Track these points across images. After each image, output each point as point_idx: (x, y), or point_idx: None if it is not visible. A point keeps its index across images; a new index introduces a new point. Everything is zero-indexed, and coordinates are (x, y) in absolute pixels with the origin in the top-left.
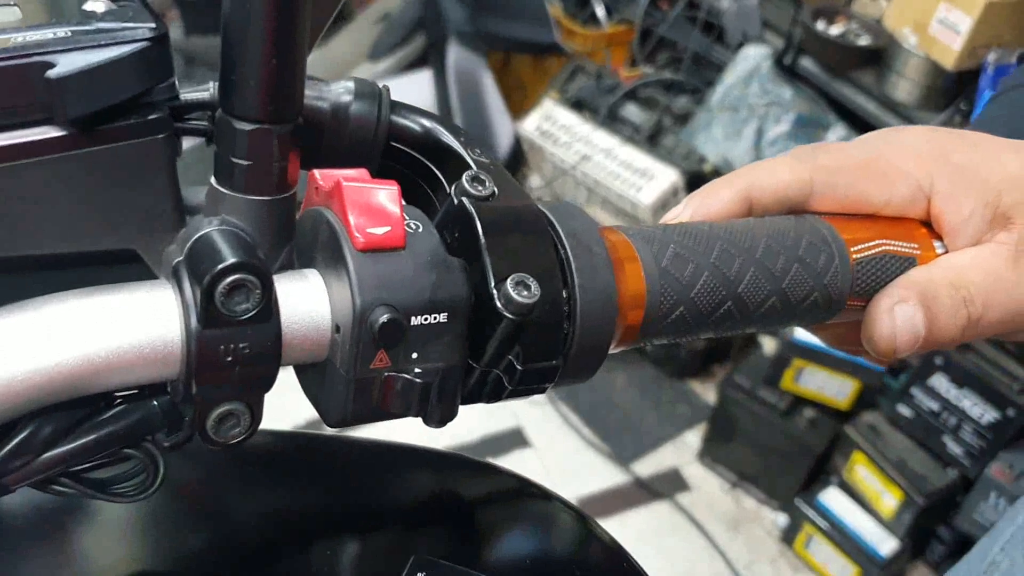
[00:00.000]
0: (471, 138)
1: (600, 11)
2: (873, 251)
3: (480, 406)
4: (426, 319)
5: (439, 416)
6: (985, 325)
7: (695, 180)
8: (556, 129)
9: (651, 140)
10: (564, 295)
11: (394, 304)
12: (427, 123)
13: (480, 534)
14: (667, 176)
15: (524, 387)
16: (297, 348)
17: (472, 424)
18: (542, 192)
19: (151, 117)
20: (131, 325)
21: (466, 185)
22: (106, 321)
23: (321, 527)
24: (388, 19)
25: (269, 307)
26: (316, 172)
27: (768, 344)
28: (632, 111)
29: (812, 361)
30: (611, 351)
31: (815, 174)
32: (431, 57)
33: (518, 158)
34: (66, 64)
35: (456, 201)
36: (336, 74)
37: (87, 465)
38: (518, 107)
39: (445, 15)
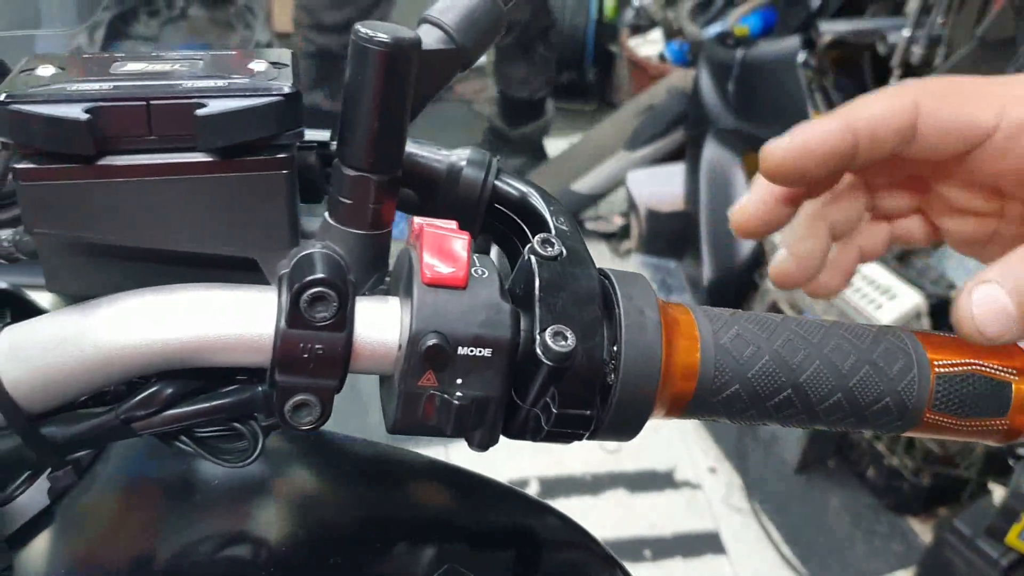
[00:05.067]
0: (560, 208)
1: None
2: (961, 368)
3: (680, 505)
4: (472, 351)
5: (478, 440)
6: None
7: (940, 306)
8: None
9: (901, 259)
10: (610, 351)
11: (444, 332)
12: (524, 190)
13: (516, 565)
14: (910, 298)
15: (559, 430)
16: (367, 358)
17: (667, 518)
18: (778, 295)
19: (277, 156)
20: (238, 316)
21: (536, 245)
22: (220, 310)
23: (380, 525)
24: (651, 111)
25: (344, 319)
26: (416, 218)
27: (998, 492)
28: None
29: None
30: (661, 418)
31: (920, 98)
32: (687, 151)
33: (759, 259)
34: (211, 107)
35: (526, 258)
36: (594, 158)
37: (204, 432)
38: None
39: (707, 113)
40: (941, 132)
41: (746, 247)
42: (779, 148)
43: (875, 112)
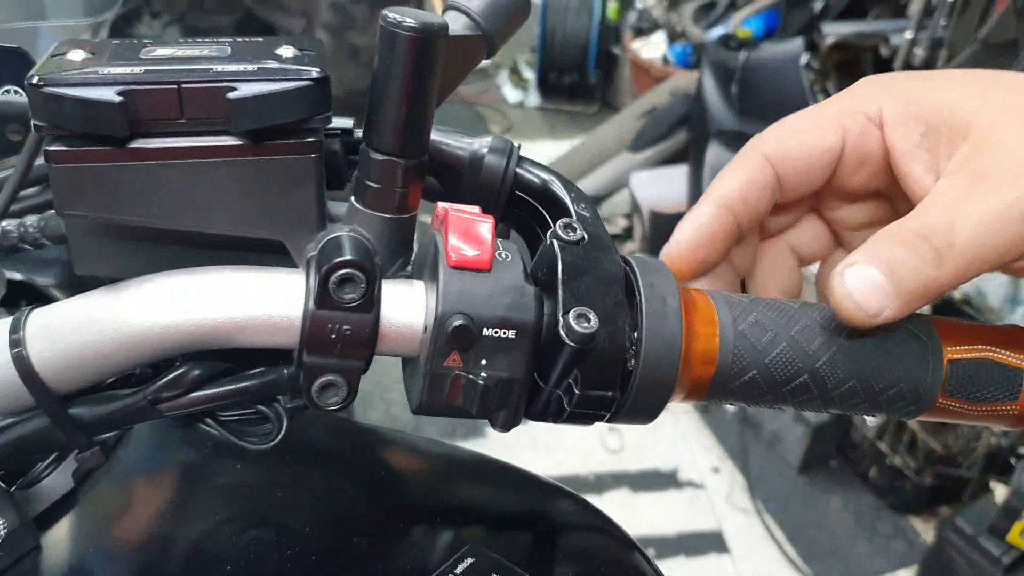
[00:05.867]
0: (581, 194)
1: None
2: (973, 355)
3: (683, 504)
4: (496, 332)
5: (502, 421)
6: (962, 252)
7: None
8: None
9: None
10: (631, 335)
11: (470, 314)
12: (545, 177)
13: (537, 546)
14: None
15: (581, 411)
16: (392, 340)
17: (670, 518)
18: None
19: (307, 140)
20: (267, 298)
21: (559, 230)
22: (249, 292)
23: (402, 508)
24: (654, 113)
25: (371, 301)
26: (440, 204)
27: (1000, 491)
28: None
29: None
30: (679, 401)
31: (767, 151)
32: (691, 153)
33: None
34: (243, 90)
35: (548, 242)
36: (597, 159)
37: (227, 415)
38: None
39: (709, 115)
40: (797, 173)
41: None
42: (671, 257)
43: (736, 182)
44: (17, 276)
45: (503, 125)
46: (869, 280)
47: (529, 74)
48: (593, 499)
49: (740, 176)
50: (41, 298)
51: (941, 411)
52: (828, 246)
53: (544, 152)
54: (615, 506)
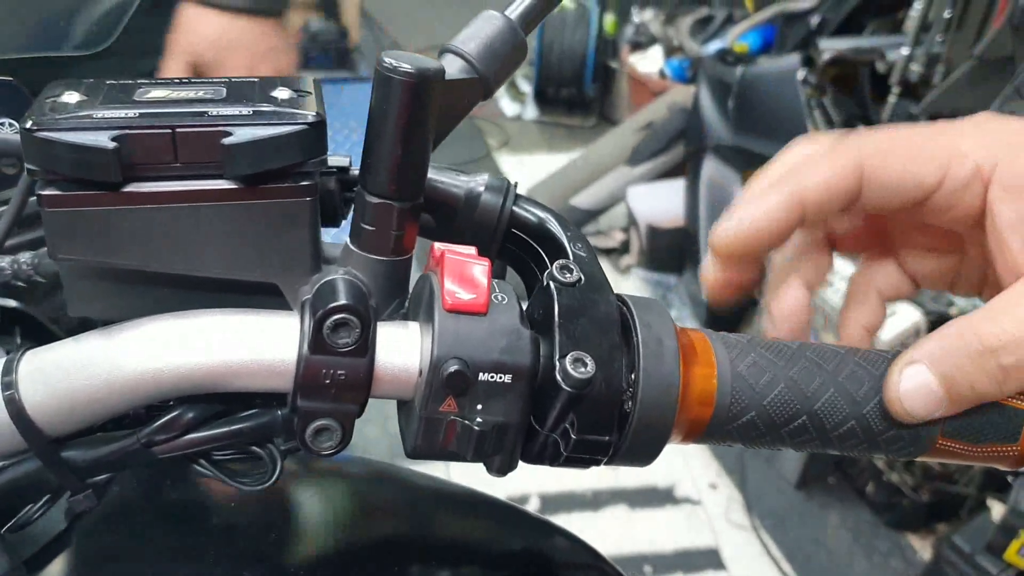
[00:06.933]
0: (577, 233)
1: None
2: None
3: (680, 520)
4: (492, 377)
5: (497, 465)
6: None
7: (940, 324)
8: None
9: None
10: (628, 378)
11: (465, 359)
12: (542, 215)
13: None
14: (909, 315)
15: (577, 455)
16: (387, 383)
17: (667, 534)
18: None
19: (302, 183)
20: (261, 342)
21: (555, 271)
22: (243, 336)
23: (393, 546)
24: (651, 127)
25: (366, 345)
26: (436, 244)
27: (997, 509)
28: None
29: None
30: (677, 443)
31: (864, 158)
32: (688, 167)
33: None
34: (238, 135)
35: (545, 283)
36: (594, 173)
37: (222, 455)
38: None
39: (706, 129)
40: (884, 191)
41: None
42: (728, 232)
43: (820, 179)
44: (11, 303)
45: (500, 138)
46: (926, 388)
47: (526, 87)
48: (591, 515)
49: (826, 173)
50: (36, 326)
51: (940, 452)
52: (908, 288)
53: (541, 165)
54: (613, 522)
